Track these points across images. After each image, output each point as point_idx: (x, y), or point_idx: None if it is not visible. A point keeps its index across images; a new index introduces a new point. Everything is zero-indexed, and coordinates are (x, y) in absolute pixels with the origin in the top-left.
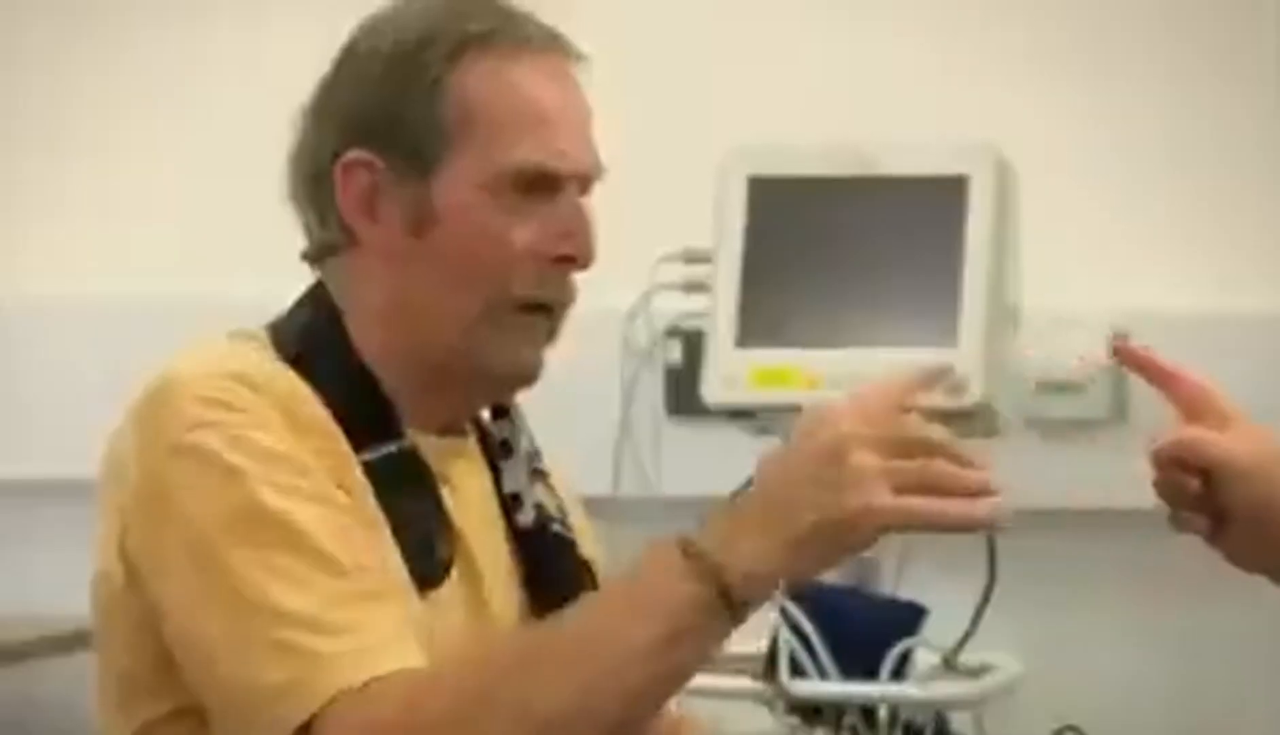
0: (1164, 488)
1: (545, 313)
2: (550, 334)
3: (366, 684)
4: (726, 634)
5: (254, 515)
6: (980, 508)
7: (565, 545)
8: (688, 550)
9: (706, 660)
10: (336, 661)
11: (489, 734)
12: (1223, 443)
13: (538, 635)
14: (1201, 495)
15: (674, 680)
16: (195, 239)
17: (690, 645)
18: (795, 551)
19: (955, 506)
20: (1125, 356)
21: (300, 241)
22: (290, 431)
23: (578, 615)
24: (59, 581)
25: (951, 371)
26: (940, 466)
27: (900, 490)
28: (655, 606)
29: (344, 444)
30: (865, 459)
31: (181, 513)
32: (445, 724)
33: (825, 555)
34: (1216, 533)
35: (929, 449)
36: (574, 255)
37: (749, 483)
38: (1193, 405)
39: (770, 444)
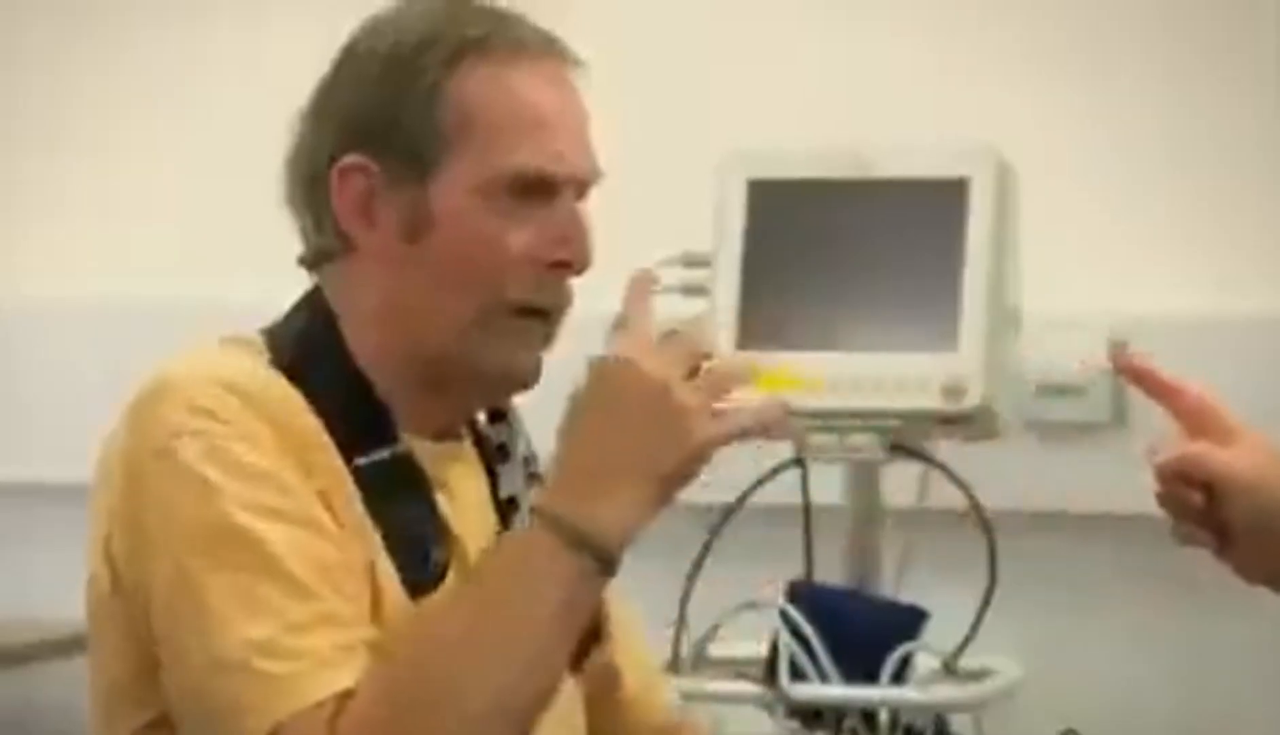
0: (1167, 501)
1: (541, 317)
2: (546, 338)
3: (312, 706)
4: (603, 588)
5: (221, 532)
6: (774, 409)
7: None
8: (559, 529)
9: (585, 624)
10: (287, 685)
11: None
12: (1225, 458)
13: (441, 632)
14: (1204, 509)
15: (569, 644)
16: (195, 240)
17: (578, 612)
18: (655, 501)
19: (764, 413)
20: (1124, 368)
21: (298, 244)
22: (276, 445)
23: (473, 608)
24: (58, 584)
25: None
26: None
27: (717, 414)
28: (545, 588)
29: (335, 455)
30: (686, 397)
31: (155, 519)
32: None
33: (675, 492)
34: (1222, 547)
35: (726, 371)
36: (570, 260)
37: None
38: (1196, 419)
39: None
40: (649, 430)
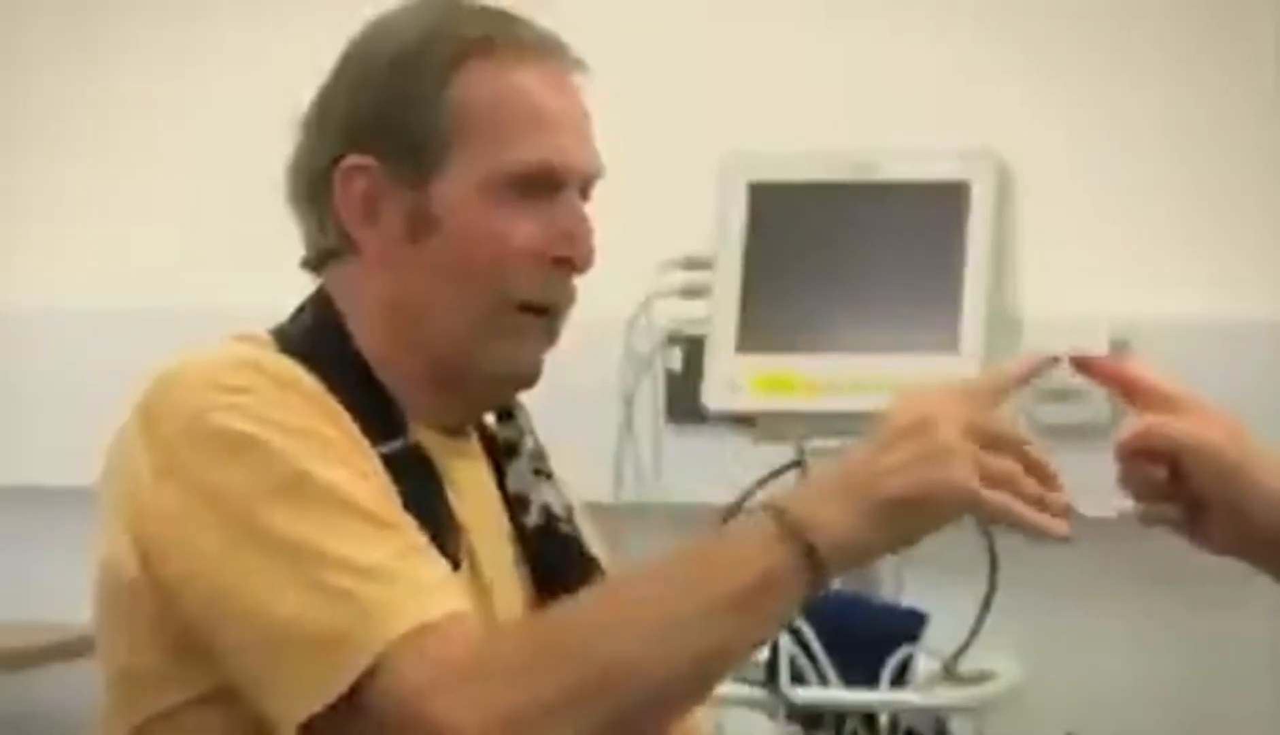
0: (1131, 481)
1: (545, 314)
2: (550, 335)
3: (428, 626)
4: (807, 598)
5: (294, 481)
6: (1058, 525)
7: (573, 544)
8: (774, 511)
9: (779, 626)
10: (399, 604)
11: (558, 677)
12: (1186, 425)
13: (616, 586)
14: (1170, 484)
15: (745, 642)
16: (196, 243)
17: (767, 607)
18: (878, 519)
19: (1038, 516)
20: (1084, 369)
21: (301, 247)
22: (308, 408)
23: (659, 568)
24: (58, 588)
25: (1058, 363)
26: (1026, 473)
27: (984, 479)
28: (738, 562)
29: (355, 428)
30: (953, 437)
31: (216, 492)
32: (516, 663)
33: (908, 526)
34: (1190, 522)
35: (1015, 445)
36: (573, 257)
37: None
38: (1144, 395)
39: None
40: (902, 451)
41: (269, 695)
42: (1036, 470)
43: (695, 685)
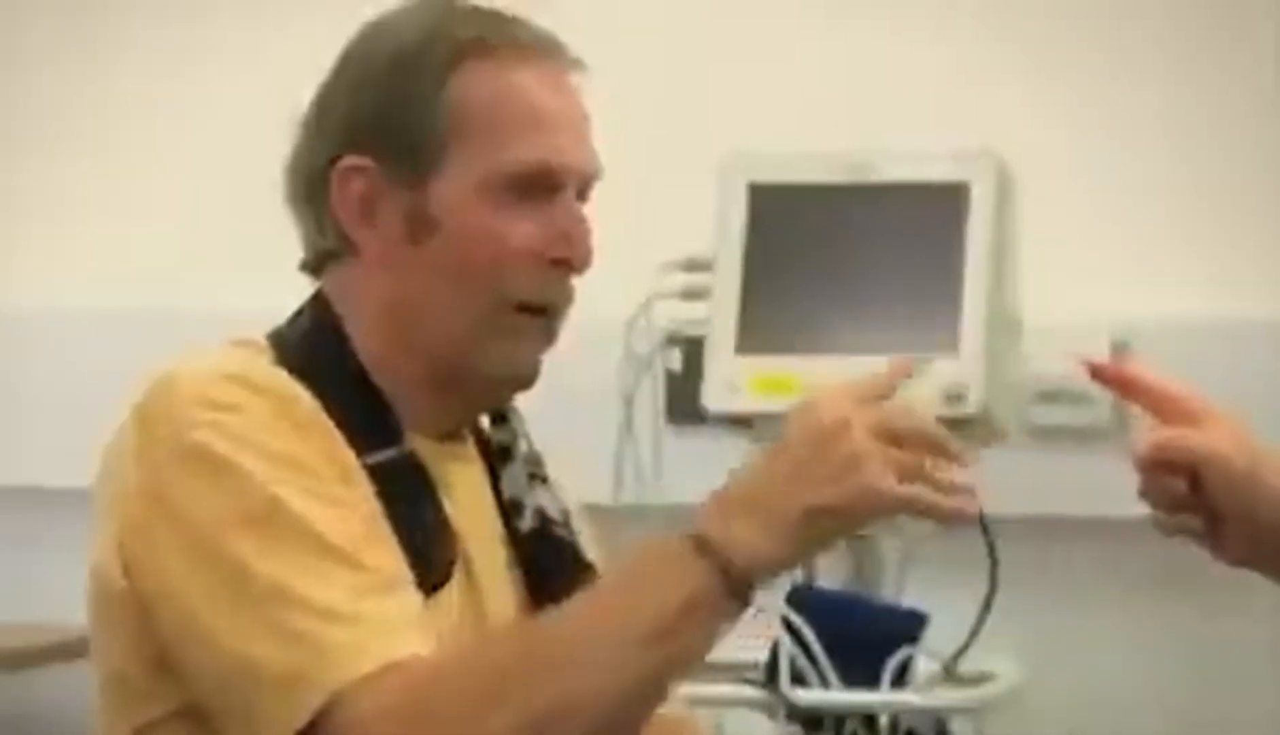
0: (1150, 492)
1: (543, 315)
2: (548, 336)
3: (375, 673)
4: (731, 618)
5: (263, 511)
6: (969, 504)
7: (568, 548)
8: (689, 536)
9: (709, 647)
10: (349, 650)
11: (495, 723)
12: (1205, 438)
13: (543, 624)
14: (1190, 496)
15: (677, 667)
16: (196, 243)
17: (694, 630)
18: (795, 533)
19: (950, 501)
20: (1096, 376)
21: (300, 247)
22: (293, 431)
23: (583, 603)
24: (58, 589)
25: (928, 362)
26: (932, 461)
27: (898, 476)
28: (659, 593)
29: (344, 445)
30: (862, 442)
31: (187, 512)
32: (451, 713)
33: (824, 536)
34: (1209, 533)
35: (922, 436)
36: (571, 258)
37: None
38: (1164, 407)
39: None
40: (811, 461)
41: (229, 724)
42: (941, 453)
43: (633, 714)
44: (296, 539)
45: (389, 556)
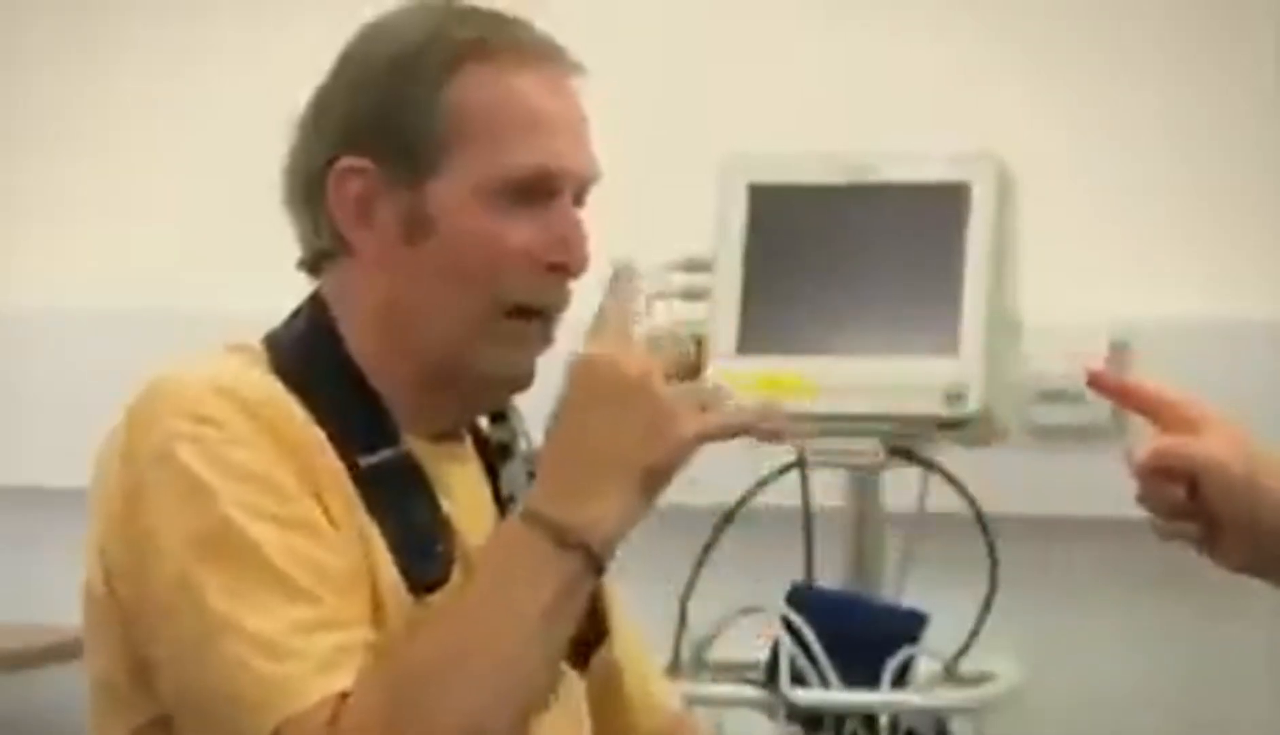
0: (1150, 499)
1: (539, 318)
2: (544, 339)
3: (310, 710)
4: (590, 586)
5: (220, 535)
6: (778, 422)
7: None
8: (546, 529)
9: (578, 617)
10: (288, 685)
11: None
12: (1204, 445)
13: (437, 637)
14: (1188, 503)
15: (561, 644)
16: (195, 244)
17: (567, 612)
18: (640, 496)
19: (768, 413)
20: (1098, 385)
21: (298, 248)
22: (274, 449)
23: (465, 613)
24: (57, 589)
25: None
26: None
27: (702, 407)
28: (534, 590)
29: (334, 459)
30: (664, 391)
31: (155, 523)
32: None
33: (660, 487)
34: (1208, 540)
35: (693, 368)
36: (568, 263)
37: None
38: (1164, 414)
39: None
40: (630, 423)
41: None
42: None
43: (535, 702)
44: (249, 568)
45: (349, 582)
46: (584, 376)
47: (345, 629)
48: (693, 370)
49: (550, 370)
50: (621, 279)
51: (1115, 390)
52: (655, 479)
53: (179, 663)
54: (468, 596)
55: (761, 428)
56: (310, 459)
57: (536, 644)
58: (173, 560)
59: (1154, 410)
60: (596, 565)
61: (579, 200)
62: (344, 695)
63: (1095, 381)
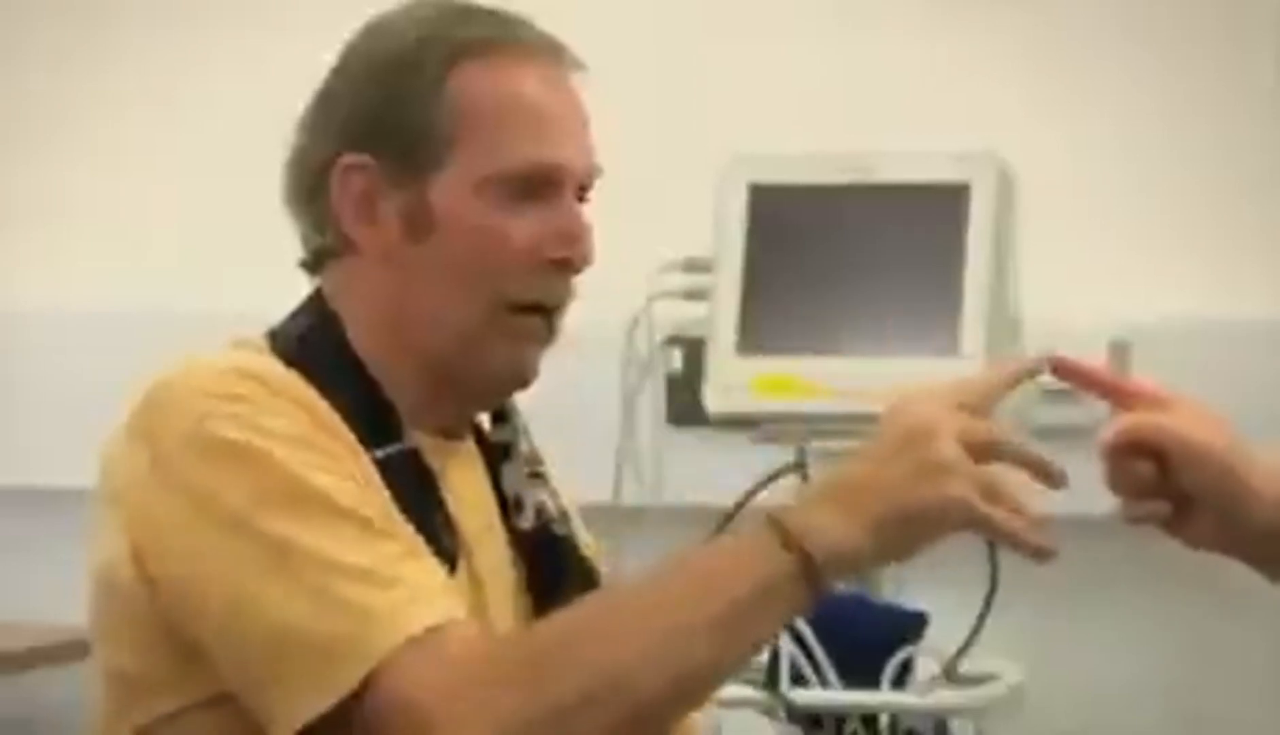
0: (1117, 477)
1: (544, 314)
2: (549, 335)
3: (429, 631)
4: (805, 607)
5: (284, 488)
6: (1047, 541)
7: (568, 546)
8: (773, 521)
9: (777, 632)
10: (392, 613)
11: (562, 684)
12: (1173, 422)
13: (616, 594)
14: (1157, 482)
15: (744, 649)
16: (196, 245)
17: (764, 618)
18: (876, 530)
19: (1031, 535)
20: (1064, 374)
21: (300, 247)
22: (303, 417)
23: (659, 577)
24: (58, 590)
25: (1046, 365)
26: (1030, 473)
27: (982, 494)
28: (736, 571)
29: (351, 436)
30: (949, 450)
31: (214, 497)
32: (520, 669)
33: (905, 539)
34: (1178, 519)
35: (1015, 454)
36: (571, 257)
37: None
38: (1129, 397)
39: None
40: (895, 461)
41: (269, 700)
42: (1038, 469)
43: (693, 694)
44: (326, 511)
45: (407, 530)
46: (889, 414)
47: (428, 559)
48: (1016, 462)
49: (552, 368)
50: (1017, 370)
51: (1080, 376)
52: (906, 525)
53: (267, 613)
54: (664, 565)
55: (1025, 546)
56: (339, 431)
57: (717, 631)
58: (241, 524)
59: (1119, 397)
60: (814, 578)
61: (581, 196)
62: (453, 623)
63: (1058, 368)
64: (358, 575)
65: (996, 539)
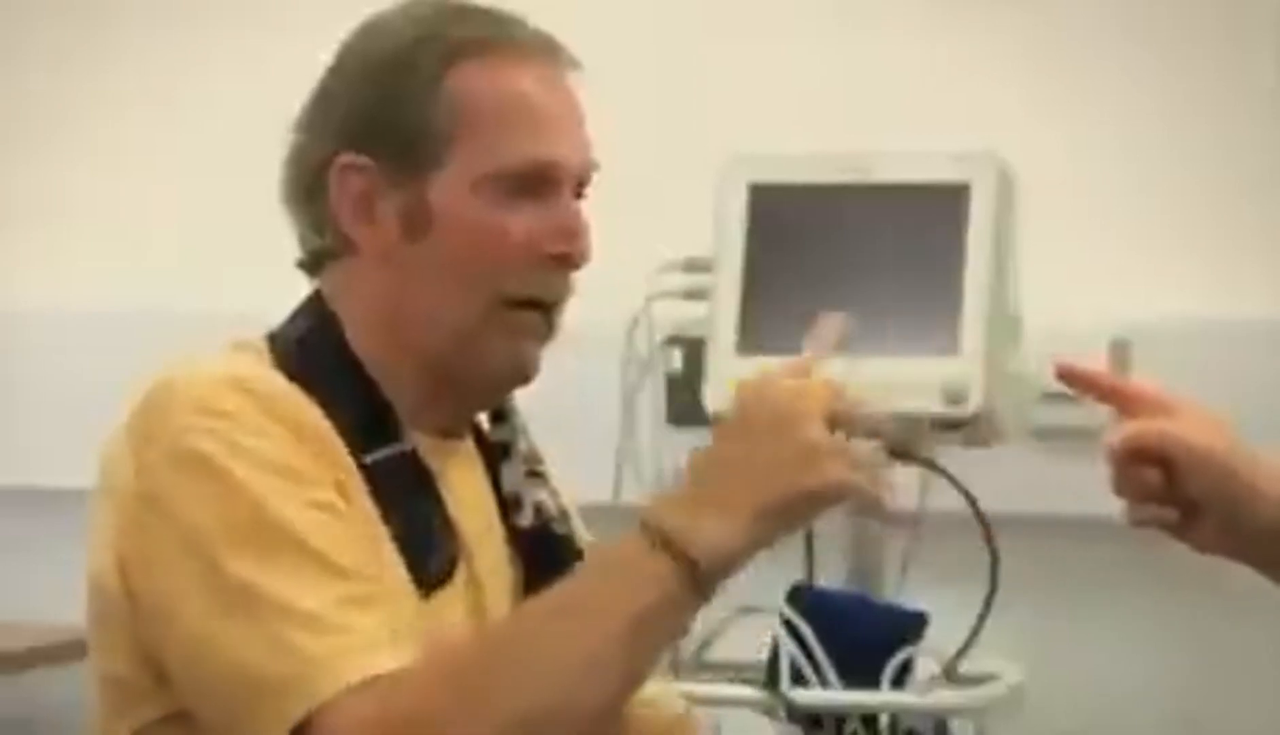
0: (1123, 483)
1: (542, 310)
2: (548, 331)
3: (357, 685)
4: (695, 612)
5: (254, 520)
6: (901, 505)
7: (566, 545)
8: (653, 533)
9: (677, 640)
10: (335, 661)
11: (482, 726)
12: (1179, 428)
13: (513, 625)
14: (1163, 487)
15: (646, 662)
16: (195, 245)
17: (664, 627)
18: (758, 525)
19: (889, 497)
20: (1069, 379)
21: (298, 248)
22: (290, 438)
23: (549, 603)
24: (58, 590)
25: (841, 321)
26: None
27: (852, 466)
28: (630, 593)
29: (341, 449)
30: (820, 431)
31: (181, 517)
32: (427, 719)
33: (786, 527)
34: (1184, 524)
35: (873, 426)
36: (570, 253)
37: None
38: (1134, 402)
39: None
40: (778, 452)
41: (218, 730)
42: (889, 434)
43: (609, 709)
44: (285, 549)
45: (375, 566)
46: (749, 400)
47: (382, 606)
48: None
49: (552, 368)
50: (829, 326)
51: (1082, 381)
52: (787, 514)
53: (210, 647)
54: (557, 590)
55: (886, 513)
56: (325, 448)
57: (621, 649)
58: (203, 550)
59: (1123, 402)
60: (702, 583)
61: (578, 193)
62: (392, 675)
63: (1063, 374)
64: (307, 621)
65: (866, 511)
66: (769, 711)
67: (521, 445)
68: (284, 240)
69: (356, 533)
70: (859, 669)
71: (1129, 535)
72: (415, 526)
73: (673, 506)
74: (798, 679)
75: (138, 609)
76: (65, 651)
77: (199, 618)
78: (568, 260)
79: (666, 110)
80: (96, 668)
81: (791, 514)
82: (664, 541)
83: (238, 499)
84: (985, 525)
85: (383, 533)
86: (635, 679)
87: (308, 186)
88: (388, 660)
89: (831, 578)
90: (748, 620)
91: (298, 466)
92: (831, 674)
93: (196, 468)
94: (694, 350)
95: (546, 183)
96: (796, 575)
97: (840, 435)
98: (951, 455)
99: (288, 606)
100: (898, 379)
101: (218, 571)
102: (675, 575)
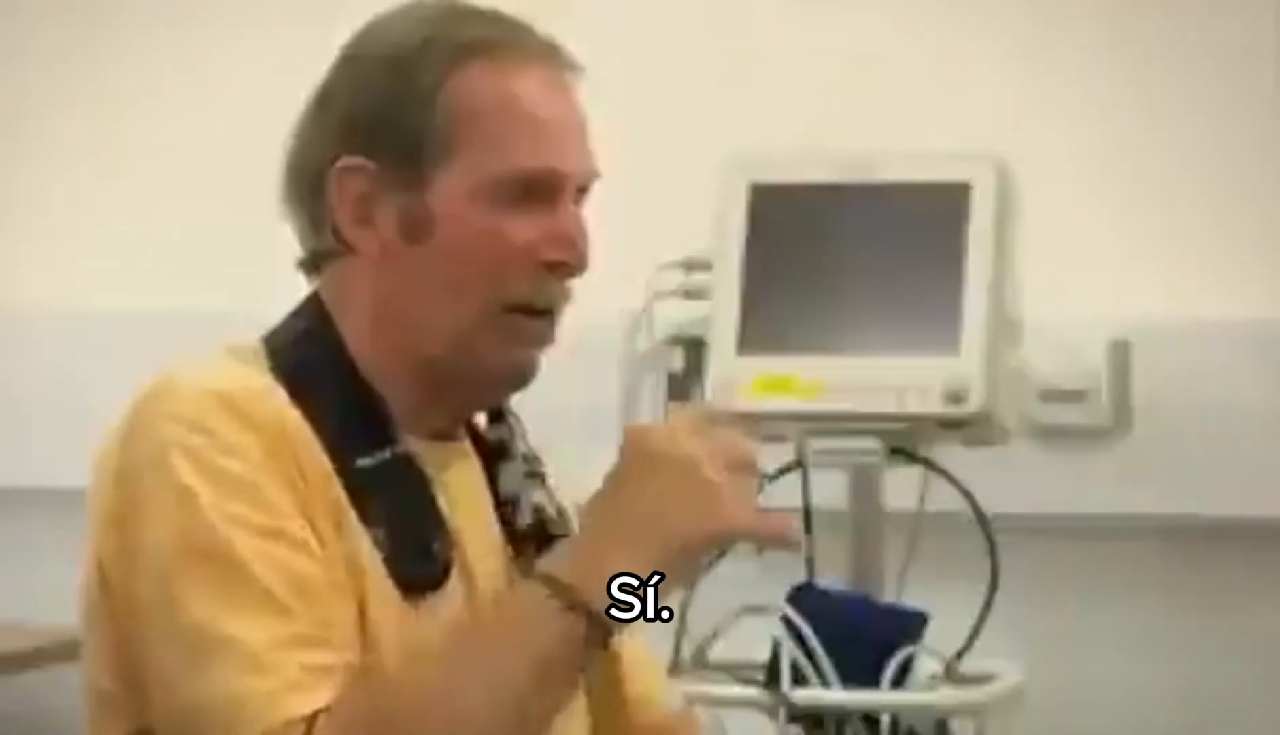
0: None
1: (541, 316)
2: (546, 336)
3: (282, 727)
4: (594, 656)
5: (204, 544)
6: (793, 529)
7: None
8: (554, 587)
9: (578, 686)
10: (262, 701)
11: None
12: None
13: (424, 673)
14: None
15: (552, 710)
16: (195, 246)
17: (567, 676)
18: (671, 572)
19: (787, 528)
20: None
21: (298, 248)
22: (264, 455)
23: (450, 660)
24: (57, 590)
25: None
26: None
27: (748, 505)
28: (530, 644)
29: (325, 463)
30: (716, 476)
31: (145, 533)
32: None
33: (689, 572)
34: None
35: (752, 465)
36: (569, 261)
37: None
38: None
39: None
40: (675, 496)
41: None
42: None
43: None
44: (234, 582)
45: (330, 601)
46: (637, 445)
47: (323, 648)
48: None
49: (552, 368)
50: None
51: None
52: (687, 558)
53: (161, 669)
54: (464, 639)
55: (789, 543)
56: (303, 462)
57: (520, 700)
58: (158, 568)
59: None
60: (603, 632)
61: (579, 199)
62: (316, 715)
63: None
64: (240, 657)
65: (767, 545)
66: (770, 711)
67: (520, 446)
68: (285, 240)
69: (316, 566)
70: (859, 669)
71: (1128, 534)
72: (406, 529)
73: (572, 558)
74: (798, 679)
75: (117, 618)
76: (65, 651)
77: (153, 640)
78: (566, 268)
79: (667, 109)
80: (84, 675)
81: (692, 556)
82: (566, 597)
83: (195, 520)
84: (985, 525)
85: (363, 548)
86: (541, 722)
87: (308, 187)
88: (314, 702)
89: (832, 577)
90: (748, 620)
91: (268, 493)
92: (832, 674)
93: (167, 484)
94: (694, 350)
95: (547, 189)
96: (797, 575)
97: (738, 474)
98: (951, 455)
99: (227, 642)
100: (897, 379)
101: (169, 598)
102: (579, 628)
